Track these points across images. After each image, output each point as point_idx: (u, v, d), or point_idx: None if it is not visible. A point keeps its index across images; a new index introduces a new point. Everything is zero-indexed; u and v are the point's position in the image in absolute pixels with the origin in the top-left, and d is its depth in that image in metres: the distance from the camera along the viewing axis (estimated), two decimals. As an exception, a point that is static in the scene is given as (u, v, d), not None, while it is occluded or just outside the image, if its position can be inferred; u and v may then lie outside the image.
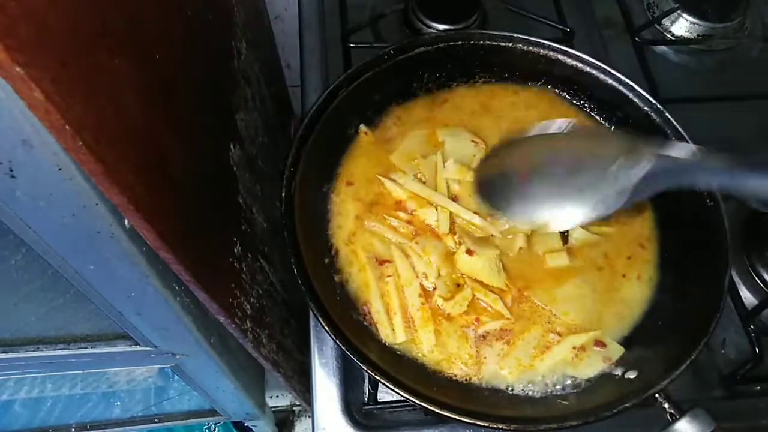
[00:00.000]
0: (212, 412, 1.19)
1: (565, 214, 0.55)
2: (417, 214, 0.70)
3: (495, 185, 0.61)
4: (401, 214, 0.70)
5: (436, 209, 0.70)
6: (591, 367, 0.63)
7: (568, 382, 0.63)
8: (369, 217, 0.70)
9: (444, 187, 0.71)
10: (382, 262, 0.67)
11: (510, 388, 0.63)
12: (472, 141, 0.74)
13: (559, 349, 0.64)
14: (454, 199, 0.71)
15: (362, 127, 0.75)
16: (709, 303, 0.61)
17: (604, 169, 0.50)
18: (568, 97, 0.79)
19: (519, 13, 0.96)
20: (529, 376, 0.63)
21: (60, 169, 0.39)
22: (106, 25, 0.39)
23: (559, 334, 0.65)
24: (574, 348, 0.64)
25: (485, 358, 0.64)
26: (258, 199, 0.84)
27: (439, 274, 0.67)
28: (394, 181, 0.72)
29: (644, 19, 1.02)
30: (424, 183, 0.72)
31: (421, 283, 0.66)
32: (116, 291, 0.58)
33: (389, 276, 0.67)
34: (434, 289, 0.66)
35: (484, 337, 0.65)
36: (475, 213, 0.70)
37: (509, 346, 0.65)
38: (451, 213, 0.70)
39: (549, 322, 0.66)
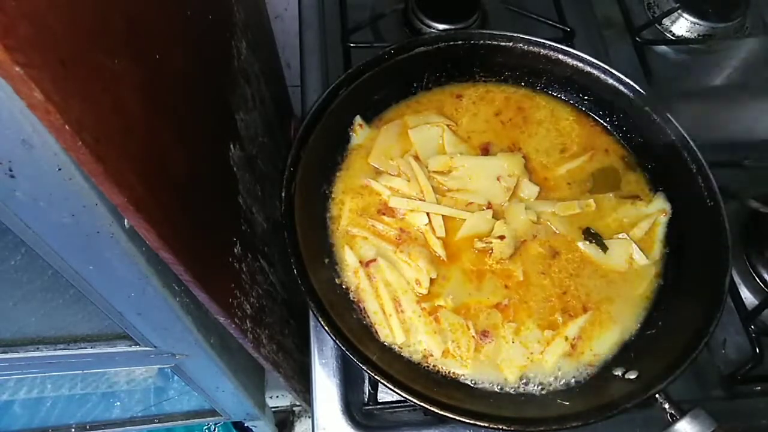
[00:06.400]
0: (212, 413, 1.19)
1: None
2: (407, 217, 0.70)
3: None
4: (387, 218, 0.70)
5: (428, 215, 0.70)
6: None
7: (568, 380, 0.63)
8: (356, 220, 0.70)
9: (431, 192, 0.71)
10: (367, 264, 0.67)
11: (510, 388, 0.63)
12: (436, 125, 0.75)
13: (556, 344, 0.64)
14: (442, 193, 0.72)
15: (357, 119, 0.75)
16: (709, 303, 0.60)
17: None
18: (570, 98, 0.79)
19: (519, 12, 0.96)
20: (530, 375, 0.63)
21: (60, 169, 0.39)
22: (106, 25, 0.39)
23: (555, 330, 0.65)
24: (567, 339, 0.65)
25: (486, 357, 0.64)
26: (258, 199, 0.84)
27: (431, 279, 0.67)
28: (383, 184, 0.72)
29: (644, 18, 1.02)
30: (408, 181, 0.72)
31: (415, 291, 0.67)
32: (116, 291, 0.57)
33: (375, 278, 0.67)
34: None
35: (484, 335, 0.65)
36: (463, 210, 0.71)
37: (509, 345, 0.65)
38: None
39: (548, 321, 0.66)
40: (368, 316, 0.66)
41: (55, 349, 0.74)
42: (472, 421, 0.55)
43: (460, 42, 0.76)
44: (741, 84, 0.96)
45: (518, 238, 0.70)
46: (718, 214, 0.65)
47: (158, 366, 0.88)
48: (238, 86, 0.77)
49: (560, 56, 0.76)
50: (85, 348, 0.75)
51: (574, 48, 0.75)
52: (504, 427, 0.55)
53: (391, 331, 0.64)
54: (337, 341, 0.58)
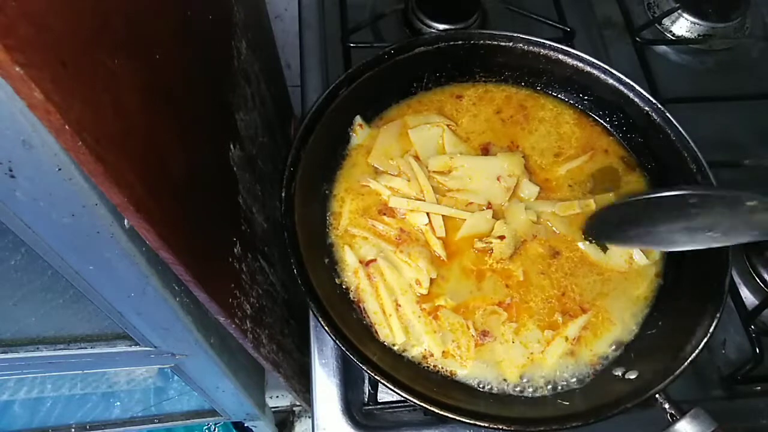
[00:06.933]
0: (212, 413, 1.19)
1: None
2: (407, 217, 0.70)
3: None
4: (387, 218, 0.70)
5: (428, 214, 0.70)
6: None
7: (568, 380, 0.63)
8: (356, 220, 0.70)
9: (431, 192, 0.71)
10: (367, 264, 0.68)
11: (510, 388, 0.63)
12: (436, 125, 0.75)
13: (556, 344, 0.64)
14: (442, 193, 0.72)
15: (358, 119, 0.75)
16: (709, 303, 0.60)
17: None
18: (570, 98, 0.79)
19: (519, 12, 0.96)
20: (530, 375, 0.63)
21: (60, 170, 0.39)
22: (106, 25, 0.39)
23: (555, 330, 0.66)
24: (567, 339, 0.65)
25: (486, 357, 0.64)
26: (258, 199, 0.84)
27: (431, 279, 0.67)
28: (383, 184, 0.72)
29: (644, 18, 1.02)
30: (408, 181, 0.72)
31: (415, 291, 0.67)
32: (116, 291, 0.57)
33: (375, 278, 0.67)
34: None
35: (484, 335, 0.65)
36: (463, 210, 0.71)
37: (509, 345, 0.65)
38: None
39: (548, 321, 0.66)
40: (368, 316, 0.66)
41: (55, 349, 0.74)
42: (472, 421, 0.55)
43: (460, 42, 0.76)
44: (741, 84, 0.96)
45: (518, 238, 0.70)
46: (718, 214, 0.65)
47: (158, 366, 0.88)
48: (238, 86, 0.77)
49: (560, 56, 0.76)
50: (85, 348, 0.75)
51: (574, 48, 0.75)
52: (504, 427, 0.55)
53: (391, 331, 0.64)
54: (337, 341, 0.58)
